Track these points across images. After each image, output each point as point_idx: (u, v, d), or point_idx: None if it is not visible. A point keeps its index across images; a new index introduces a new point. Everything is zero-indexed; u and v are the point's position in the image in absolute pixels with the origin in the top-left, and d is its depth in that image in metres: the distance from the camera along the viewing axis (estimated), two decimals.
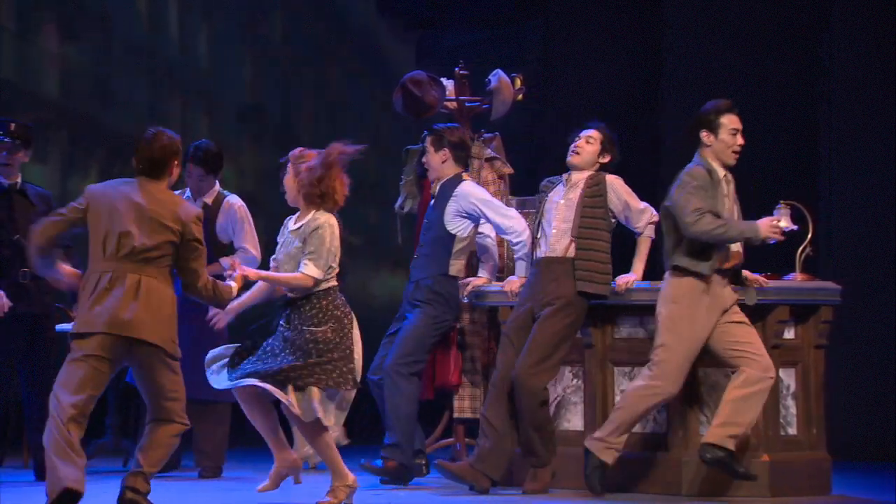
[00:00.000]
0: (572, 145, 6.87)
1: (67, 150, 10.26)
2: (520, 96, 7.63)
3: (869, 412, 8.77)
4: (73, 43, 10.37)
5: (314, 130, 11.31)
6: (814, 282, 6.81)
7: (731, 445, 6.27)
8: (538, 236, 6.84)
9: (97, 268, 5.53)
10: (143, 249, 5.49)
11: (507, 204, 7.42)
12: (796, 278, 6.76)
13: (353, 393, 6.07)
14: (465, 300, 7.27)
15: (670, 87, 9.88)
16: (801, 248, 6.76)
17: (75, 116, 10.28)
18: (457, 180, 7.13)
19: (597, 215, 6.74)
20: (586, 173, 6.84)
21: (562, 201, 6.82)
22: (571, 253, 6.72)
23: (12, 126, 7.19)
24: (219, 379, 6.12)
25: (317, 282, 6.05)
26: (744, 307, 6.50)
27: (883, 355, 8.80)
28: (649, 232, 6.83)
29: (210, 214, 7.43)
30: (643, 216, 6.79)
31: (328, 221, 6.11)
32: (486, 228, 7.23)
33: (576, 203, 6.76)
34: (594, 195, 6.76)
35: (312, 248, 6.05)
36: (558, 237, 6.75)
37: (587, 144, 6.85)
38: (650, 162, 9.54)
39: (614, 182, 6.82)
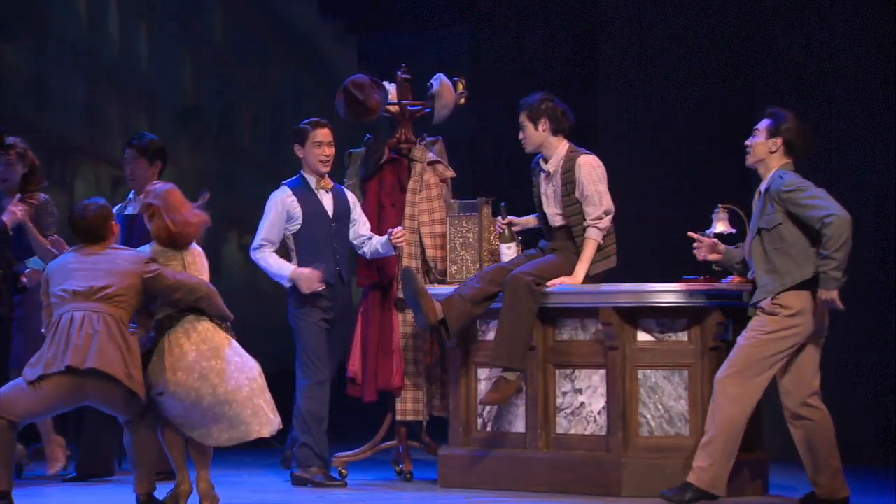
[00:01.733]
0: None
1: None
2: (462, 100, 7.67)
3: None
4: (9, 43, 10.27)
5: (254, 132, 11.30)
6: (748, 285, 6.89)
7: None
8: None
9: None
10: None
11: (450, 207, 7.46)
12: (734, 281, 6.85)
13: None
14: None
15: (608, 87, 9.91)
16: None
17: (11, 118, 10.18)
18: None
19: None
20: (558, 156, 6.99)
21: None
22: None
23: None
24: None
25: None
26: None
27: (837, 356, 8.85)
28: (593, 234, 6.91)
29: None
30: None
31: None
32: None
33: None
34: (568, 181, 6.94)
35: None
36: None
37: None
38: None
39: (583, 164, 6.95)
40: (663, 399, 6.74)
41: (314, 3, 11.64)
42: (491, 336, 7.08)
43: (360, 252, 7.43)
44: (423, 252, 7.56)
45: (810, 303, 6.27)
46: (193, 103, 11.21)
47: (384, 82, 7.60)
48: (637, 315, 6.76)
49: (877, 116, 8.78)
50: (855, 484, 6.47)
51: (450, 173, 7.68)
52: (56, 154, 10.24)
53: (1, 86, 10.22)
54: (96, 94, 10.69)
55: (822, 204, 6.23)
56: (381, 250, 7.36)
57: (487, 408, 7.09)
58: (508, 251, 7.09)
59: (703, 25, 9.49)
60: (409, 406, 7.52)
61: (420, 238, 7.56)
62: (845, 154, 8.84)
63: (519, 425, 7.01)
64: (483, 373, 7.15)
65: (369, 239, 7.39)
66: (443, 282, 7.37)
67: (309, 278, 7.13)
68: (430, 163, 7.64)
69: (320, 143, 7.29)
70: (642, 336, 6.78)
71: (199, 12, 11.20)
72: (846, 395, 8.69)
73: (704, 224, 6.90)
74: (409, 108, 7.68)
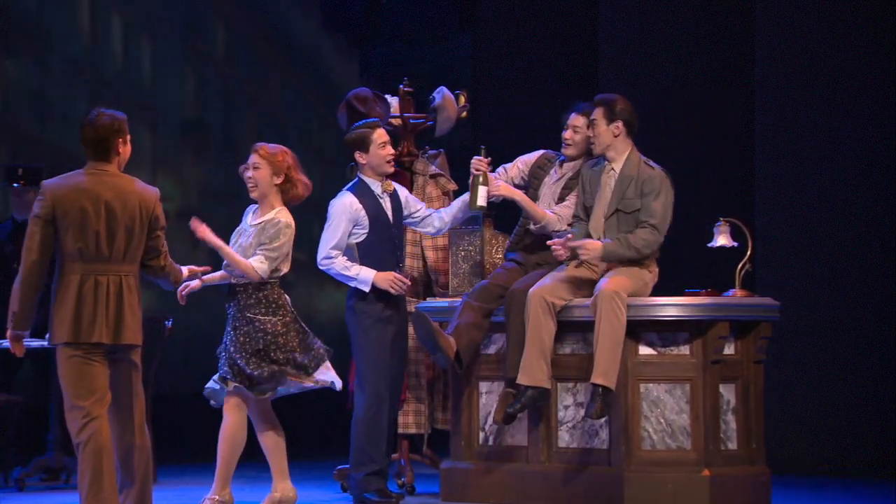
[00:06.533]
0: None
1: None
2: (464, 113, 7.69)
3: (806, 427, 8.80)
4: (11, 57, 10.30)
5: None
6: (753, 298, 6.91)
7: None
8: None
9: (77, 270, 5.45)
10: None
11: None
12: (736, 294, 6.86)
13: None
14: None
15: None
16: (740, 265, 6.87)
17: (15, 133, 10.21)
18: None
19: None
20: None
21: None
22: None
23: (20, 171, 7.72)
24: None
25: (260, 279, 6.39)
26: None
27: (819, 370, 8.83)
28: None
29: None
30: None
31: (289, 223, 6.51)
32: None
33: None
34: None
35: (269, 244, 6.43)
36: None
37: (574, 134, 6.96)
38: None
39: None
40: (665, 413, 6.74)
41: (316, 17, 11.67)
42: (492, 350, 7.09)
43: (432, 233, 7.19)
44: (425, 265, 7.57)
45: None
46: (195, 116, 11.22)
47: (386, 95, 7.62)
48: (639, 328, 6.76)
49: (877, 116, 8.77)
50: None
51: (452, 186, 7.69)
52: (58, 168, 10.22)
53: (3, 100, 10.24)
54: (98, 108, 10.67)
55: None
56: (460, 215, 7.12)
57: (490, 421, 7.10)
58: (483, 194, 6.89)
59: (702, 25, 9.51)
60: (411, 419, 7.53)
61: (422, 251, 7.57)
62: (845, 154, 8.83)
63: (521, 439, 7.01)
64: (485, 386, 7.15)
65: (431, 214, 7.16)
66: (445, 295, 7.38)
67: (394, 279, 6.86)
68: (433, 176, 7.66)
69: (384, 143, 7.00)
70: (644, 349, 6.78)
71: (201, 26, 11.22)
72: (846, 396, 8.69)
73: (705, 235, 6.92)
74: (411, 121, 7.70)
